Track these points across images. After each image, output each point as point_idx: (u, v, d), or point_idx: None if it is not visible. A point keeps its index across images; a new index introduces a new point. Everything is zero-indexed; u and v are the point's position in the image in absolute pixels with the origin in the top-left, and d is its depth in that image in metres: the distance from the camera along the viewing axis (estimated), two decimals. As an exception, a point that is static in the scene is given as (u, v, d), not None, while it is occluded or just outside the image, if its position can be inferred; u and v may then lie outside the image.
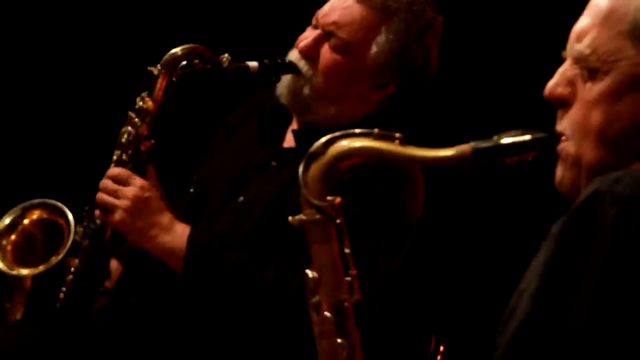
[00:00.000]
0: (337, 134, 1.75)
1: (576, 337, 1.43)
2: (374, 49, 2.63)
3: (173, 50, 2.63)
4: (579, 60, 1.60)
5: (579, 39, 1.60)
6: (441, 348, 2.82)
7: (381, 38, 2.63)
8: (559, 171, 1.65)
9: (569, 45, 1.63)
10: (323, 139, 1.75)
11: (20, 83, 4.29)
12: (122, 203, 2.59)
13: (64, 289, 2.68)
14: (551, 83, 1.64)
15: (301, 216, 1.76)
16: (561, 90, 1.62)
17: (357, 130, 1.75)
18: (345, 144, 1.74)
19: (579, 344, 1.43)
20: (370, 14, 2.63)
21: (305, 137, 2.64)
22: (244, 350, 2.65)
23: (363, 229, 2.45)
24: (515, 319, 1.48)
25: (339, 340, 1.77)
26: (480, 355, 1.70)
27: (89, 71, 4.01)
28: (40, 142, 4.22)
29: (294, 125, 2.76)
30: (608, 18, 1.57)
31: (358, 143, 1.74)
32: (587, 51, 1.58)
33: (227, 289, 2.60)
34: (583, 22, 1.61)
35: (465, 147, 1.65)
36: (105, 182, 2.63)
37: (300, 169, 1.73)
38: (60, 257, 2.70)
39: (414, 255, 2.87)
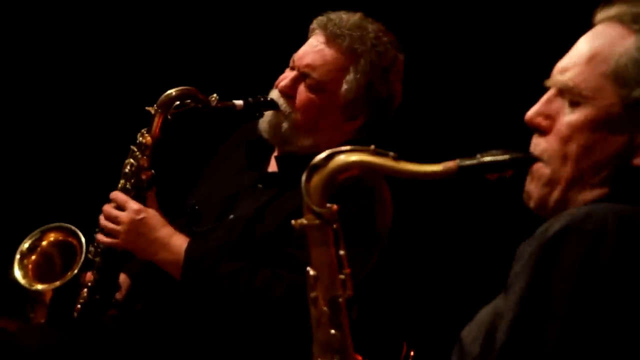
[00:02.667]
0: (337, 149, 1.77)
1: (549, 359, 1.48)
2: (344, 86, 2.69)
3: (168, 92, 2.69)
4: (563, 91, 1.64)
5: (563, 72, 1.64)
6: (411, 353, 2.80)
7: (350, 77, 2.68)
8: (529, 187, 1.69)
9: (552, 77, 1.67)
10: (324, 153, 1.77)
11: (43, 121, 4.40)
12: (122, 228, 2.67)
13: (80, 301, 2.74)
14: (533, 111, 1.68)
15: (302, 220, 1.78)
16: (540, 120, 1.66)
17: (356, 147, 1.77)
18: (344, 158, 1.76)
19: None
20: (339, 57, 2.68)
21: (286, 163, 2.72)
22: (235, 349, 2.69)
23: None
24: (495, 345, 1.52)
25: (332, 331, 1.80)
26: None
27: (99, 113, 4.09)
28: (58, 174, 4.29)
29: (277, 153, 2.81)
30: (592, 59, 1.60)
31: (356, 157, 1.76)
32: (571, 84, 1.62)
33: (221, 296, 2.64)
34: (566, 60, 1.65)
35: (451, 164, 1.68)
36: (107, 210, 2.70)
37: (303, 179, 1.75)
38: (74, 273, 2.75)
39: (386, 269, 2.85)
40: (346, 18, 2.70)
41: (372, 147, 1.73)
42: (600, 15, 1.63)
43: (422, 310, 3.85)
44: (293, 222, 1.76)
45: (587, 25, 1.67)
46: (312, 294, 1.79)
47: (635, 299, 1.46)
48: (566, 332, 1.46)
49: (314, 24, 2.74)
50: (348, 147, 1.75)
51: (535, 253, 1.51)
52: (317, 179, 1.75)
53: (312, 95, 2.69)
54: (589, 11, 1.68)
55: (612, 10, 1.61)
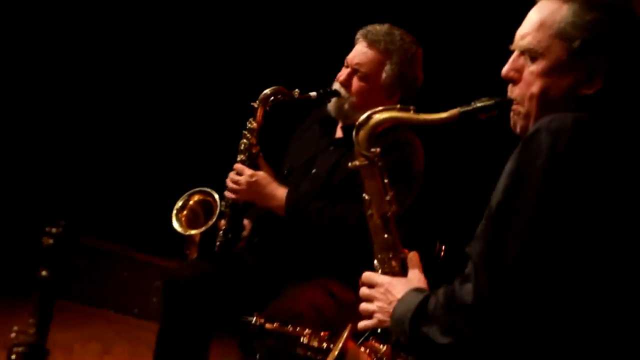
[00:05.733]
0: (374, 110, 1.96)
1: (525, 220, 1.60)
2: (383, 75, 3.11)
3: (264, 91, 3.14)
4: (524, 51, 1.79)
5: (522, 38, 1.80)
6: (443, 248, 3.09)
7: (387, 68, 3.10)
8: (514, 120, 1.83)
9: (515, 42, 1.82)
10: (365, 114, 1.95)
11: (194, 123, 5.27)
12: (241, 187, 3.09)
13: (219, 239, 3.16)
14: (506, 68, 1.83)
15: (355, 162, 1.98)
16: (512, 74, 1.82)
17: (387, 107, 1.98)
18: (379, 115, 1.96)
19: (526, 225, 1.60)
20: (378, 55, 3.10)
21: (348, 131, 3.01)
22: (325, 259, 3.04)
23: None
24: (490, 209, 1.66)
25: (386, 236, 1.99)
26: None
27: (227, 111, 4.49)
28: (201, 157, 5.09)
29: (341, 124, 3.21)
30: (541, 25, 1.76)
31: (387, 114, 1.95)
32: (530, 46, 1.77)
33: (312, 225, 2.99)
34: (523, 29, 1.81)
35: (454, 111, 1.86)
36: (231, 176, 3.11)
37: (353, 134, 1.92)
38: (213, 220, 3.15)
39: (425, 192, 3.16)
40: (379, 28, 3.12)
41: (398, 105, 1.97)
42: None
43: (451, 213, 4.03)
44: (350, 164, 1.98)
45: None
46: (369, 212, 1.99)
47: (589, 176, 1.58)
48: (541, 196, 1.59)
49: (358, 35, 3.15)
50: (381, 108, 1.97)
51: (518, 148, 1.65)
52: (362, 132, 1.96)
53: (363, 84, 3.11)
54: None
55: None
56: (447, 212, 4.18)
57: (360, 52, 3.13)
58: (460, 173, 4.33)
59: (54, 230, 1.69)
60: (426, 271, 2.04)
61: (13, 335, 1.70)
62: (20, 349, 1.69)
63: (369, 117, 1.94)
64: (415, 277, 1.95)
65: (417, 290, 1.85)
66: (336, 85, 3.16)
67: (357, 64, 3.12)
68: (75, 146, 5.23)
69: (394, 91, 3.13)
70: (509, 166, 1.64)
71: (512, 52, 1.82)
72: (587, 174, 1.58)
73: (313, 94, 3.15)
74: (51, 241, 1.68)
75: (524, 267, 1.58)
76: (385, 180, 1.97)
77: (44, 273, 1.69)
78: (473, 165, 4.14)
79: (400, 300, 1.83)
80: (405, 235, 2.65)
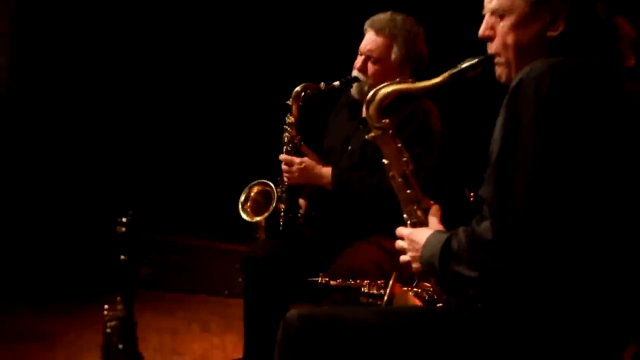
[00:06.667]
0: (378, 86, 2.05)
1: (527, 160, 1.67)
2: (393, 56, 3.33)
3: (295, 89, 3.39)
4: (493, 12, 1.91)
5: (490, 1, 1.93)
6: (472, 194, 3.26)
7: (395, 50, 3.32)
8: (498, 71, 1.94)
9: (485, 7, 1.95)
10: (371, 91, 2.06)
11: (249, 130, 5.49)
12: (293, 175, 3.37)
13: (281, 220, 3.45)
14: (481, 29, 1.95)
15: (371, 134, 2.08)
16: (488, 32, 1.95)
17: (388, 82, 2.06)
18: (383, 90, 2.05)
19: (529, 164, 1.66)
20: (385, 40, 3.33)
21: None
22: (373, 220, 3.28)
23: (411, 144, 2.68)
24: (492, 154, 1.74)
25: (408, 191, 2.08)
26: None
27: (264, 112, 4.93)
28: (252, 153, 5.33)
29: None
30: None
31: (390, 88, 2.05)
32: (496, 6, 1.90)
33: (357, 194, 3.25)
34: None
35: (445, 75, 1.96)
36: (283, 167, 3.37)
37: (364, 110, 2.06)
38: (273, 205, 3.41)
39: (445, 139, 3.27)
40: (383, 16, 3.35)
41: (398, 79, 2.10)
42: None
43: (478, 162, 3.90)
44: (366, 136, 2.11)
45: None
46: (390, 174, 2.10)
47: (573, 110, 1.67)
48: (537, 135, 1.67)
49: (366, 25, 3.39)
50: (385, 84, 2.06)
51: (506, 99, 1.74)
52: (371, 107, 2.08)
53: (377, 66, 3.35)
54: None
55: None
56: (469, 161, 4.18)
57: (370, 40, 3.36)
58: (471, 126, 4.44)
59: (124, 219, 1.86)
60: (462, 213, 2.12)
61: (105, 312, 1.91)
62: (112, 322, 1.91)
63: (375, 94, 2.06)
64: (434, 224, 2.04)
65: (437, 232, 1.93)
66: (355, 73, 3.40)
67: (369, 50, 3.35)
68: (143, 151, 5.63)
69: (404, 68, 3.35)
70: (502, 116, 1.73)
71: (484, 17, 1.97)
72: (571, 109, 1.67)
73: (336, 83, 3.39)
74: (124, 229, 1.85)
75: (534, 201, 1.66)
76: (399, 145, 2.07)
77: (122, 257, 1.85)
78: (477, 118, 4.15)
79: (424, 246, 1.91)
80: (435, 189, 3.14)
